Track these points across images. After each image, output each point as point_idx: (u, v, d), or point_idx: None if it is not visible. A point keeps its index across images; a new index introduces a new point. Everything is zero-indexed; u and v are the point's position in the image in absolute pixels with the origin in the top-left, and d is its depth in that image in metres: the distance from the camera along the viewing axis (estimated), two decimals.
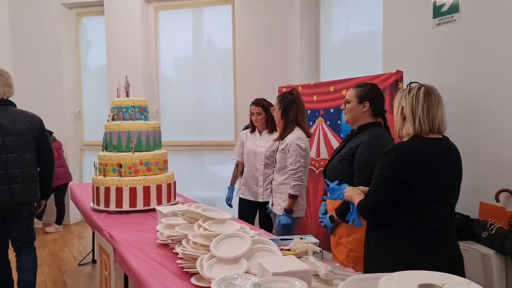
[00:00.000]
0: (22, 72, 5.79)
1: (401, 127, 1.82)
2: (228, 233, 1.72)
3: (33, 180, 2.98)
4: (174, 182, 3.08)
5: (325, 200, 2.46)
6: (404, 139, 1.83)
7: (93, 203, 2.98)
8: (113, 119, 2.98)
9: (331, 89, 3.50)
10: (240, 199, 3.63)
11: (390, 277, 1.01)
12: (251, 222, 3.50)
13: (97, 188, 2.90)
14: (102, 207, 2.86)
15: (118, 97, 3.07)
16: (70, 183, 5.38)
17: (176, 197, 3.13)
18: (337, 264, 1.74)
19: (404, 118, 1.80)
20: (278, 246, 1.81)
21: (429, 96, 1.79)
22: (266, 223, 3.41)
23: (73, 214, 5.71)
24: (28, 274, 3.06)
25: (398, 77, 2.86)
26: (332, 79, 3.64)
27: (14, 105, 3.04)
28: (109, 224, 2.54)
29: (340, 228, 2.29)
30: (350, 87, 2.45)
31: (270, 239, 1.92)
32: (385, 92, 2.89)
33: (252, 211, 3.59)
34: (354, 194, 1.97)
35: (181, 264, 1.73)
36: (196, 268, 1.60)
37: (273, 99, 4.33)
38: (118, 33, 5.44)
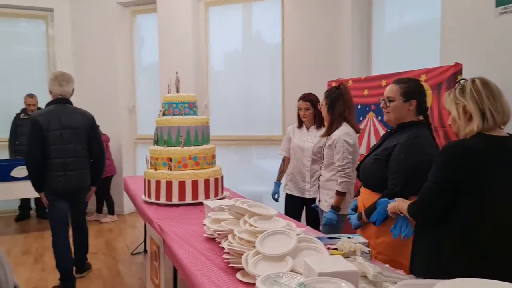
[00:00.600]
0: (81, 69, 6.08)
1: (464, 127, 1.68)
2: (274, 230, 1.71)
3: (84, 168, 3.48)
4: (222, 177, 3.11)
5: (357, 196, 2.41)
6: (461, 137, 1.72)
7: (145, 195, 3.07)
8: (163, 114, 3.05)
9: (383, 83, 3.38)
10: (287, 195, 3.61)
11: (446, 284, 0.95)
12: (298, 218, 3.47)
13: (149, 181, 2.98)
14: (153, 199, 2.94)
15: (168, 93, 3.13)
16: (124, 176, 5.61)
17: (224, 192, 3.15)
18: (387, 266, 1.67)
19: (470, 118, 1.66)
20: (325, 245, 1.77)
21: (488, 86, 1.67)
22: (313, 220, 3.37)
23: (127, 205, 5.92)
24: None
25: (457, 70, 2.70)
26: (385, 73, 3.51)
27: (71, 103, 3.53)
28: (159, 216, 2.61)
29: (368, 228, 2.21)
30: None
31: (317, 237, 1.89)
32: (441, 86, 2.74)
33: (299, 207, 3.56)
34: (397, 204, 1.92)
35: (227, 259, 1.74)
36: (241, 263, 1.60)
37: (322, 93, 4.27)
38: (170, 30, 5.55)
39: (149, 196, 2.99)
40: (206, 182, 2.95)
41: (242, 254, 1.65)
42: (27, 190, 3.90)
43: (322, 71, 4.63)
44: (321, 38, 4.82)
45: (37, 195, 3.52)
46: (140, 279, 3.70)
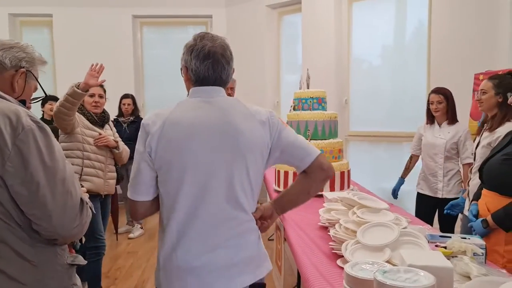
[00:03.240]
0: (236, 69, 6.70)
1: None
2: (377, 222, 1.73)
3: None
4: (348, 171, 3.15)
5: (477, 200, 2.17)
6: None
7: (275, 184, 3.31)
8: (294, 109, 3.24)
9: None
10: (418, 194, 3.46)
11: None
12: (430, 218, 3.30)
13: (278, 171, 3.21)
14: (281, 189, 3.16)
15: (300, 89, 3.30)
16: None
17: (351, 186, 3.19)
18: (503, 271, 1.55)
19: None
20: (434, 243, 1.72)
21: None
22: (446, 222, 3.16)
23: (262, 193, 6.33)
24: None
25: None
26: None
27: None
28: None
29: (496, 234, 1.99)
30: None
31: (429, 235, 1.84)
32: None
33: (431, 207, 3.37)
34: None
35: (331, 245, 1.83)
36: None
37: (466, 87, 3.92)
38: (313, 28, 5.72)
39: (278, 185, 3.21)
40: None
41: (344, 242, 1.73)
42: None
43: (469, 63, 4.23)
44: (473, 24, 4.39)
45: None
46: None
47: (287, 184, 3.11)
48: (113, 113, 4.27)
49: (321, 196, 2.91)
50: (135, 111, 5.00)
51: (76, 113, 2.88)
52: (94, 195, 2.96)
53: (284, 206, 1.66)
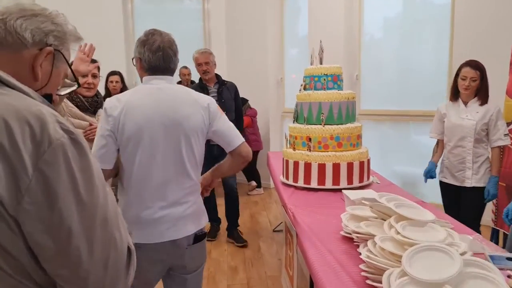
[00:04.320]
0: (232, 43, 6.20)
1: None
2: (429, 244, 1.30)
3: None
4: (368, 160, 2.72)
5: None
6: None
7: (283, 176, 2.88)
8: (304, 89, 2.77)
9: None
10: (441, 183, 3.05)
11: None
12: (454, 212, 2.88)
13: (287, 161, 2.77)
14: (290, 181, 2.73)
15: (311, 64, 2.83)
16: (268, 151, 5.59)
17: (370, 177, 2.76)
18: None
19: None
20: (504, 270, 1.30)
21: None
22: (472, 212, 2.76)
23: (265, 177, 5.93)
24: None
25: None
26: None
27: None
28: (294, 202, 2.38)
29: None
30: None
31: (490, 255, 1.42)
32: None
33: (456, 198, 2.97)
34: None
35: (364, 271, 1.41)
36: (382, 283, 1.25)
37: (498, 62, 3.47)
38: None
39: (287, 177, 2.78)
40: (350, 165, 2.60)
41: (383, 270, 1.30)
42: None
43: (502, 35, 3.74)
44: None
45: None
46: (279, 259, 3.60)
47: (297, 176, 2.68)
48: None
49: (340, 190, 2.49)
50: (123, 89, 4.51)
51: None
52: None
53: (220, 175, 2.09)
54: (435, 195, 3.41)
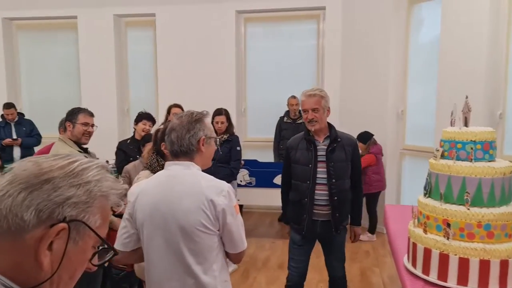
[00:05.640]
0: (349, 67, 5.72)
1: None
2: None
3: None
4: None
5: None
6: None
7: (408, 259, 2.33)
8: (442, 156, 2.19)
9: None
10: None
11: None
12: None
13: (414, 244, 2.22)
14: (419, 272, 2.17)
15: (451, 125, 2.24)
16: (386, 202, 5.03)
17: None
18: None
19: None
20: None
21: None
22: None
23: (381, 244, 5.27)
24: None
25: None
26: None
27: None
28: None
29: None
30: None
31: None
32: None
33: None
34: None
35: None
36: None
37: None
38: (457, 18, 4.40)
39: (414, 264, 2.22)
40: (504, 264, 1.96)
41: None
42: None
43: None
44: None
45: None
46: None
47: (428, 267, 2.12)
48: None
49: None
50: (229, 128, 4.31)
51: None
52: None
53: None
54: None
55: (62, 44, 6.84)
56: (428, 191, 2.26)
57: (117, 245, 1.81)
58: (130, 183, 2.69)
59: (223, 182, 1.78)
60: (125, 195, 2.05)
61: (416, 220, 2.31)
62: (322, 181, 2.88)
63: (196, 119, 1.80)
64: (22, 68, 6.98)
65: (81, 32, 6.50)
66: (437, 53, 4.66)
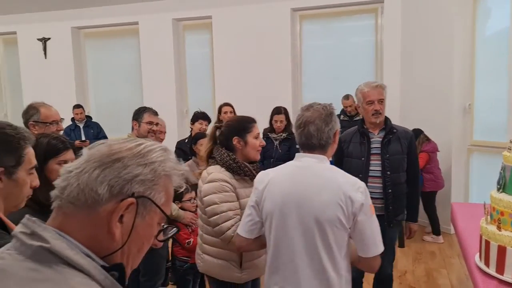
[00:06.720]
0: (408, 61, 5.50)
1: None
2: None
3: None
4: None
5: None
6: None
7: (480, 258, 2.18)
8: None
9: None
10: None
11: None
12: None
13: (487, 242, 2.07)
14: (492, 270, 2.03)
15: None
16: (453, 191, 4.74)
17: None
18: None
19: None
20: None
21: None
22: None
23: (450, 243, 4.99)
24: None
25: None
26: None
27: None
28: None
29: None
30: None
31: None
32: None
33: None
34: None
35: None
36: None
37: None
38: None
39: (487, 263, 2.08)
40: None
41: None
42: None
43: None
44: None
45: None
46: None
47: (502, 266, 1.97)
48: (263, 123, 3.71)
49: None
50: (288, 126, 4.29)
51: None
52: None
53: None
54: None
55: (125, 50, 7.19)
56: (502, 186, 2.10)
57: (242, 232, 1.82)
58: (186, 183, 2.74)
59: (358, 179, 1.72)
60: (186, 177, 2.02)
61: (488, 217, 2.16)
62: (376, 174, 2.80)
63: (331, 111, 1.77)
64: (89, 73, 7.42)
65: (142, 37, 6.79)
66: (506, 46, 4.35)
